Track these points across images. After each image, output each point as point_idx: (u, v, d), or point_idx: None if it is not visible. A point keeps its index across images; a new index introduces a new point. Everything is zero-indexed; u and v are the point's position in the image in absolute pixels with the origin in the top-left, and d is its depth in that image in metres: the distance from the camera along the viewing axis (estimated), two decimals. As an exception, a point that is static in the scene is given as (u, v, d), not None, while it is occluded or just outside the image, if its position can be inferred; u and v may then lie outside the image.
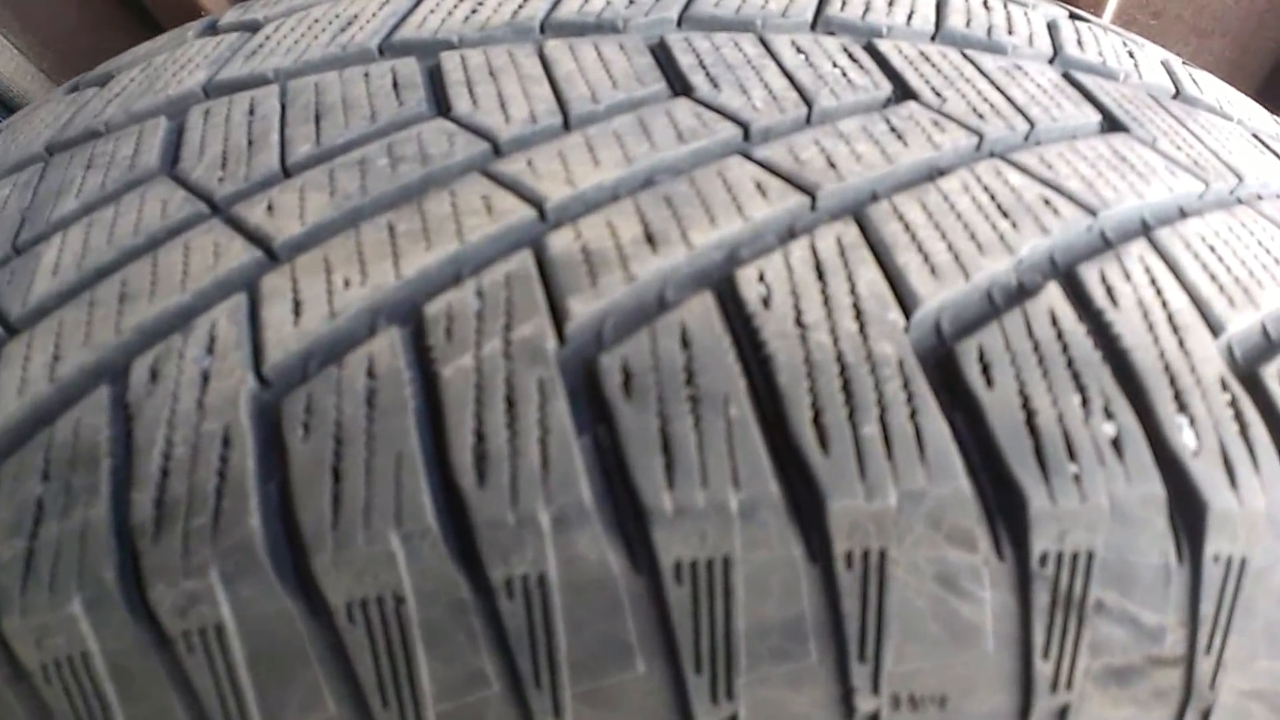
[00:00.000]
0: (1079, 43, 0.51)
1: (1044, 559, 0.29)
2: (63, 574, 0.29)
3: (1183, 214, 0.39)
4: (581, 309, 0.32)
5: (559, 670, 0.29)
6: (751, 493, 0.28)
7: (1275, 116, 0.55)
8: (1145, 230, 0.37)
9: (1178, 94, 0.50)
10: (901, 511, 0.28)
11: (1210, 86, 0.53)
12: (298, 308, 0.32)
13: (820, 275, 0.32)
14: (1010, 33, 0.49)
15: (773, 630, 0.29)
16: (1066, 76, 0.46)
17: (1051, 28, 0.51)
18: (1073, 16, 0.56)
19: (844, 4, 0.48)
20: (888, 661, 0.29)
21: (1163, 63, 0.53)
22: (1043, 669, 0.30)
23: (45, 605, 0.28)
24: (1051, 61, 0.48)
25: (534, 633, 0.29)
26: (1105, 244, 0.36)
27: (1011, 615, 0.29)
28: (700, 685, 0.29)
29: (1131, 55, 0.52)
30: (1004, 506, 0.29)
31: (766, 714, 0.30)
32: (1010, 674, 0.30)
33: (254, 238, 0.35)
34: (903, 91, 0.41)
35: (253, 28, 0.51)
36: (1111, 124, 0.43)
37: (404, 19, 0.48)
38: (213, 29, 0.53)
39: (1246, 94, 0.76)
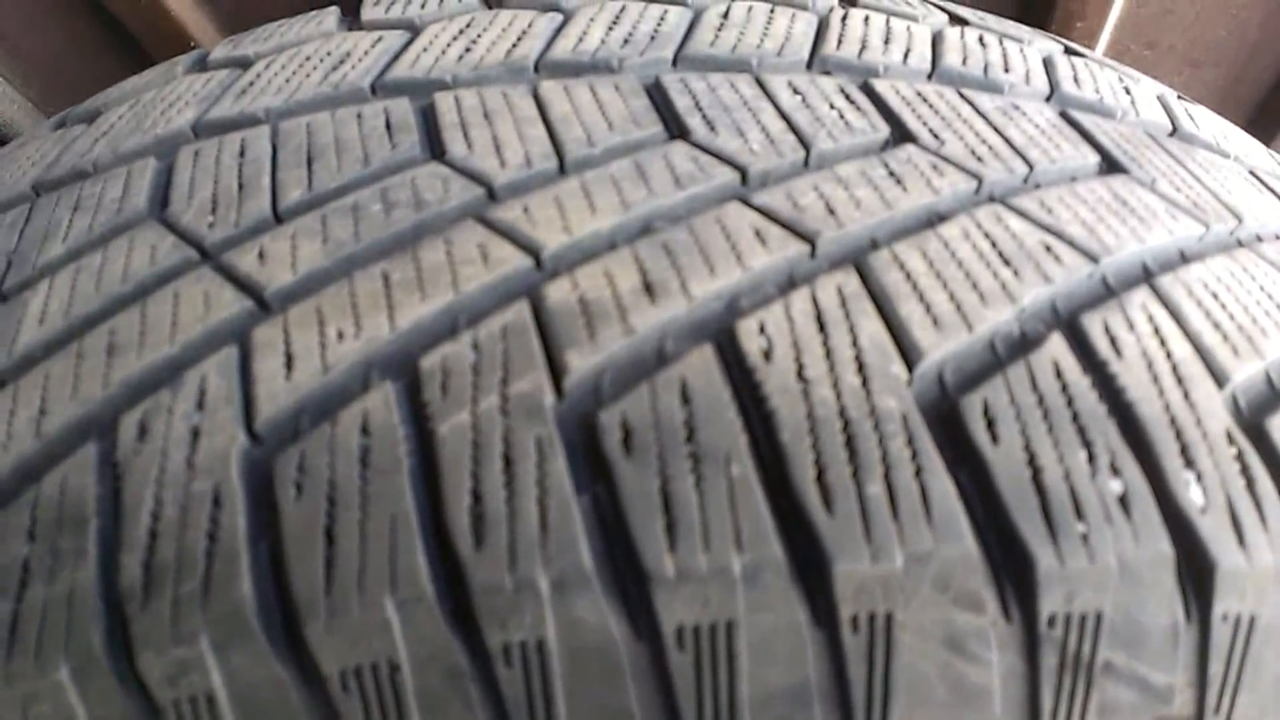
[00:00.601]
0: (1075, 79, 0.50)
1: (1052, 620, 0.28)
2: (49, 640, 0.28)
3: (1184, 258, 0.38)
4: (580, 363, 0.31)
5: (558, 738, 0.28)
6: (755, 555, 0.28)
7: (1271, 151, 0.55)
8: (1147, 277, 0.37)
9: (1174, 131, 0.50)
10: (908, 574, 0.28)
11: (1206, 122, 0.53)
12: (290, 361, 0.32)
13: (822, 327, 0.32)
14: (1007, 70, 0.49)
15: (777, 696, 0.28)
16: (1064, 115, 0.46)
17: (1048, 64, 0.51)
18: (1068, 51, 0.56)
19: (840, 42, 0.48)
20: (894, 727, 0.29)
21: (1159, 98, 0.53)
22: (1051, 731, 0.29)
23: (31, 672, 0.28)
24: (1049, 99, 0.48)
25: (532, 701, 0.28)
26: (1108, 291, 0.35)
27: (1019, 678, 0.29)
28: (703, 752, 0.29)
29: (1128, 91, 0.52)
30: (1011, 567, 0.28)
31: (771, 781, 0.29)
32: (1018, 737, 0.29)
33: (245, 287, 0.35)
34: (900, 134, 0.41)
35: (243, 64, 0.50)
36: (1110, 165, 0.43)
37: (397, 57, 0.47)
38: (202, 64, 0.53)
39: (1237, 124, 0.76)
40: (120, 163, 0.45)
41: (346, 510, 0.28)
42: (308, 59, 0.48)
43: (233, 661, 0.27)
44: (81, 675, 0.28)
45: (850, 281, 0.33)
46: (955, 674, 0.28)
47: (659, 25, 0.49)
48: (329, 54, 0.48)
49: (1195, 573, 0.29)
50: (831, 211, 0.36)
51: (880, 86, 0.44)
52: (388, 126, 0.42)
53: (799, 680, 0.28)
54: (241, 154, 0.42)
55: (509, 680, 0.28)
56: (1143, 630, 0.29)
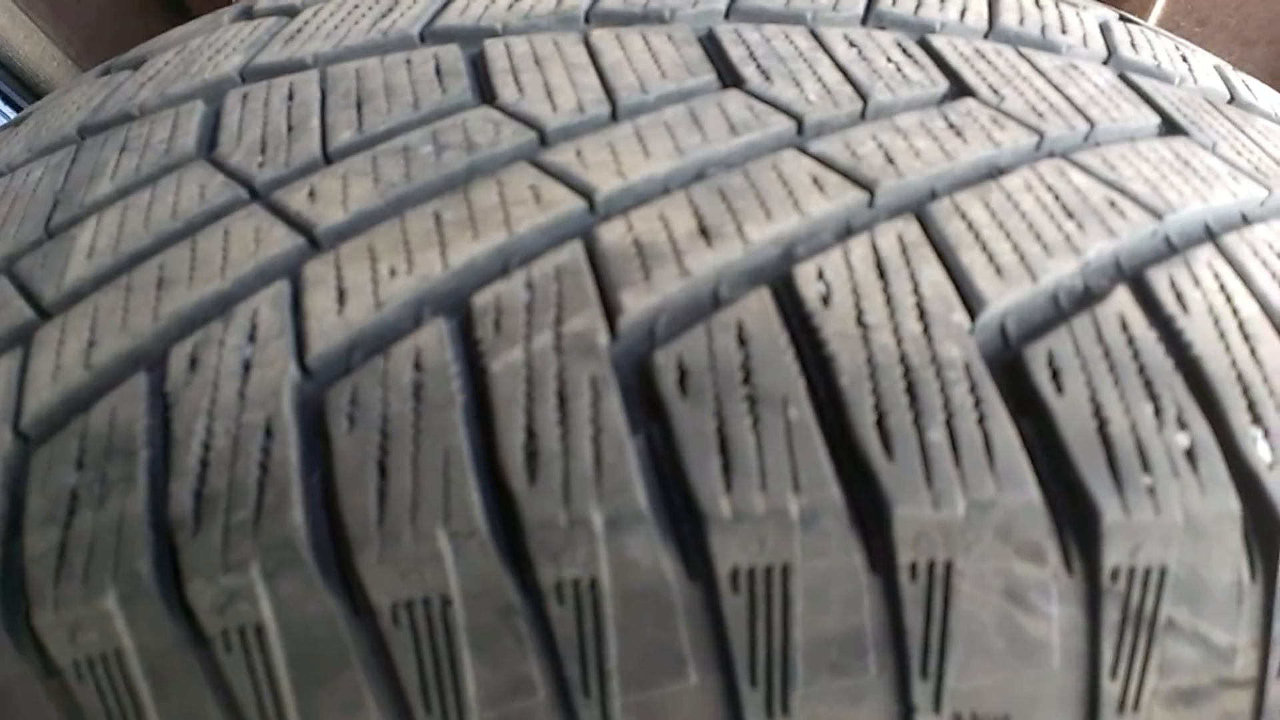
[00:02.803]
0: (1132, 45, 0.49)
1: (1115, 574, 0.28)
2: (97, 567, 0.28)
3: (1246, 220, 0.37)
4: (634, 303, 0.30)
5: (608, 679, 0.28)
6: (812, 498, 0.27)
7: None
8: (1210, 236, 0.36)
9: (1232, 99, 0.49)
10: (969, 522, 0.27)
11: (1262, 93, 0.52)
12: (342, 296, 0.31)
13: (882, 274, 0.31)
14: (1064, 32, 0.48)
15: (832, 643, 0.28)
16: (1122, 78, 0.45)
17: (1104, 29, 0.50)
18: (1123, 19, 0.55)
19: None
20: (950, 679, 0.28)
21: (1215, 67, 0.52)
22: (1110, 689, 0.29)
23: (79, 599, 0.28)
24: (1106, 63, 0.47)
25: (583, 640, 0.28)
26: (1170, 249, 0.35)
27: (1080, 632, 0.28)
28: (755, 699, 0.28)
29: (1185, 59, 0.51)
30: (1074, 518, 0.28)
31: (823, 729, 0.29)
32: (1076, 693, 0.29)
33: (295, 224, 0.34)
34: (959, 88, 0.40)
35: (290, 12, 0.50)
36: (1170, 127, 0.42)
37: (446, 6, 0.47)
38: (248, 14, 0.52)
39: (1289, 102, 0.75)
40: (167, 106, 0.45)
41: (399, 443, 0.28)
42: (355, 7, 0.48)
43: (282, 591, 0.27)
44: (129, 602, 0.27)
45: (910, 230, 0.33)
46: (1014, 626, 0.28)
47: (710, -21, 0.48)
48: (377, 2, 0.48)
49: (1262, 530, 0.28)
50: (890, 161, 0.35)
51: (937, 42, 0.43)
52: (437, 72, 0.42)
53: (854, 627, 0.28)
54: (290, 97, 0.42)
55: (560, 618, 0.27)
56: (1206, 587, 0.29)
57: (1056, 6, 0.51)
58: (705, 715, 0.28)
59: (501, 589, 0.27)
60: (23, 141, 0.48)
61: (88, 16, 0.78)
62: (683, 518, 0.27)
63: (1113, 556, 0.28)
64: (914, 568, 0.27)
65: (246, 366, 0.30)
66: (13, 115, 0.92)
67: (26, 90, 0.81)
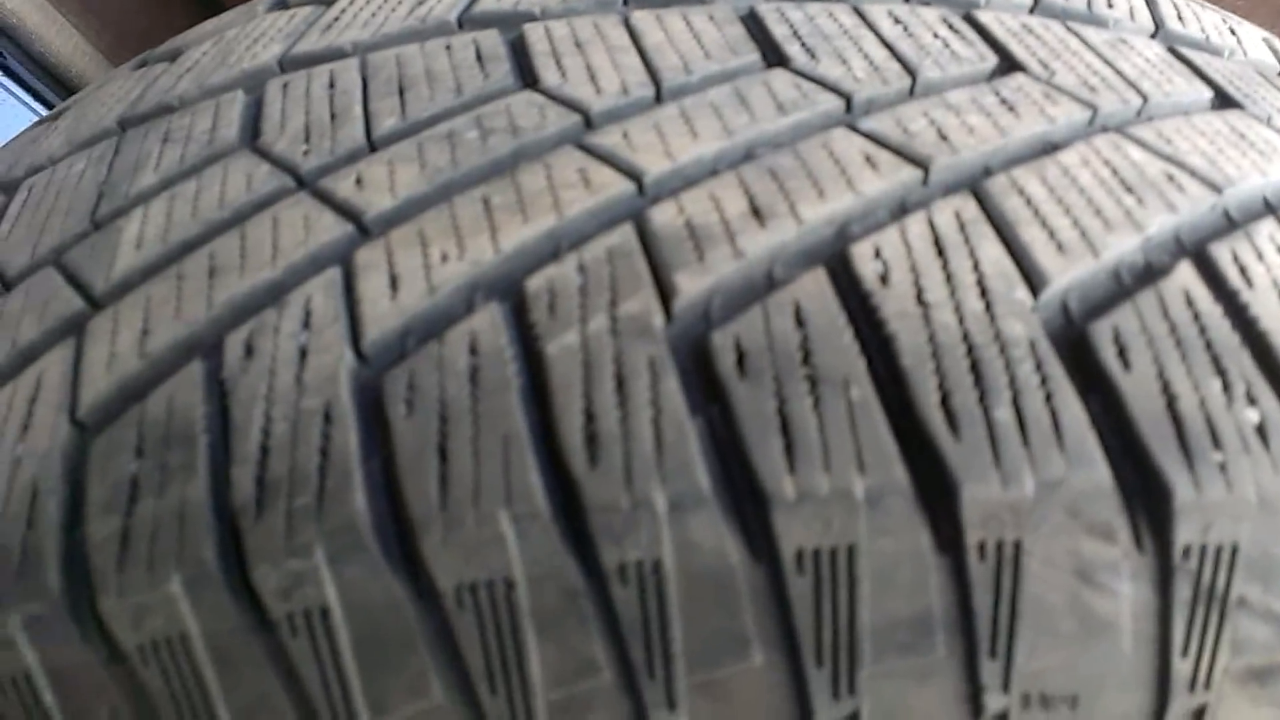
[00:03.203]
0: (1179, 18, 0.48)
1: (1187, 552, 0.27)
2: (161, 552, 0.28)
3: (1305, 193, 0.37)
4: (689, 285, 0.30)
5: (673, 660, 0.28)
6: (878, 478, 0.27)
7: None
8: (1270, 210, 0.35)
9: (1284, 71, 0.48)
10: (1039, 501, 0.27)
11: (1313, 65, 0.51)
12: (394, 282, 0.31)
13: (940, 251, 0.31)
14: (1110, 6, 0.47)
15: (899, 623, 0.27)
16: (1172, 51, 0.44)
17: (1149, 2, 0.49)
18: (1167, -9, 0.54)
19: (938, -25, 0.46)
20: (1019, 658, 0.28)
21: (1264, 40, 0.51)
22: (1181, 668, 0.28)
23: (143, 584, 0.28)
24: (1154, 36, 0.46)
25: (647, 621, 0.27)
26: (1230, 223, 0.34)
27: (1150, 611, 0.28)
28: (821, 679, 0.28)
29: (1233, 31, 0.50)
30: (1145, 496, 0.27)
31: (889, 710, 0.28)
32: (1147, 673, 0.28)
33: (344, 211, 0.34)
34: (1009, 63, 0.40)
35: (326, 1, 0.50)
36: (1224, 100, 0.41)
37: (483, -9, 0.46)
38: (284, 4, 0.52)
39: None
40: (207, 97, 0.45)
41: (458, 428, 0.28)
42: (392, -6, 0.48)
43: (347, 575, 0.27)
44: (194, 586, 0.27)
45: (968, 206, 0.32)
46: (1084, 605, 0.28)
47: (748, -41, 0.47)
48: (413, -11, 0.48)
49: (1336, 507, 0.28)
50: (944, 137, 0.35)
51: (983, 17, 0.42)
52: (478, 57, 0.41)
53: (921, 608, 0.27)
54: (331, 85, 0.42)
55: (624, 600, 0.27)
56: (1278, 564, 0.28)
57: (1100, -20, 0.50)
58: (770, 695, 0.28)
59: (565, 571, 0.27)
60: (62, 135, 0.49)
61: (118, 10, 0.78)
62: (745, 499, 0.27)
63: (1184, 534, 0.27)
64: (982, 548, 0.27)
65: (303, 353, 0.30)
66: (44, 113, 0.93)
67: (59, 85, 0.81)
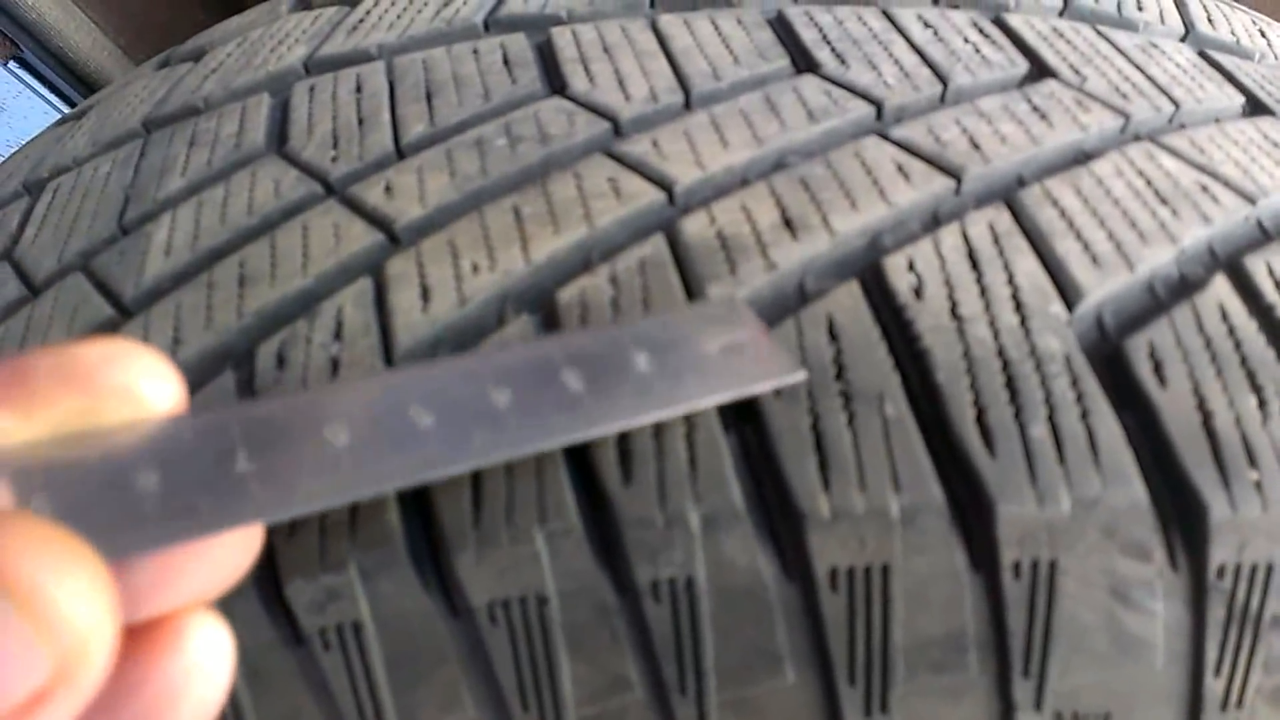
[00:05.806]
0: (1209, 20, 0.48)
1: (1221, 571, 0.27)
2: (195, 566, 0.28)
3: (1339, 202, 0.36)
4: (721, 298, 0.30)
5: (705, 677, 0.28)
6: (913, 496, 0.27)
7: None
8: (1305, 219, 0.35)
9: (1315, 74, 0.47)
10: (1074, 519, 0.26)
11: (1345, 67, 0.50)
12: (426, 293, 0.31)
13: (974, 264, 0.30)
14: (1140, 9, 0.46)
15: (932, 642, 0.27)
16: (1203, 55, 0.44)
17: (1179, 4, 0.49)
18: (1196, -9, 0.54)
19: (966, -23, 0.46)
20: (1053, 677, 0.28)
21: (1295, 40, 0.51)
22: (1213, 687, 0.28)
23: (177, 597, 0.28)
24: (1184, 39, 0.46)
25: (680, 638, 0.27)
26: (1264, 235, 0.34)
27: (1184, 630, 0.28)
28: (853, 697, 0.28)
29: (1263, 34, 0.49)
30: (1180, 515, 0.27)
31: (922, 727, 0.28)
32: (1179, 691, 0.28)
33: (374, 220, 0.34)
34: (1040, 69, 0.39)
35: (351, 2, 0.50)
36: (1255, 106, 0.41)
37: (508, -7, 0.46)
38: (307, 4, 0.52)
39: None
40: (233, 99, 0.45)
41: (491, 442, 0.28)
42: (416, -5, 0.48)
43: (380, 590, 0.27)
44: (229, 601, 0.27)
45: (1002, 218, 0.32)
46: (1118, 624, 0.27)
47: (774, -39, 0.47)
48: (438, -10, 0.48)
49: (1374, 526, 0.28)
50: (976, 146, 0.34)
51: (1014, 21, 0.42)
52: (506, 62, 0.41)
53: (955, 627, 0.27)
54: (358, 89, 0.41)
55: (657, 617, 0.27)
56: (1315, 585, 0.28)
57: (1129, -19, 0.50)
58: (802, 713, 0.28)
59: (598, 587, 0.27)
60: (87, 135, 0.49)
61: (138, 7, 0.78)
62: (779, 517, 0.27)
63: (1219, 553, 0.27)
64: (1017, 567, 0.27)
65: (335, 364, 0.30)
66: (62, 107, 0.93)
67: (77, 80, 0.81)
